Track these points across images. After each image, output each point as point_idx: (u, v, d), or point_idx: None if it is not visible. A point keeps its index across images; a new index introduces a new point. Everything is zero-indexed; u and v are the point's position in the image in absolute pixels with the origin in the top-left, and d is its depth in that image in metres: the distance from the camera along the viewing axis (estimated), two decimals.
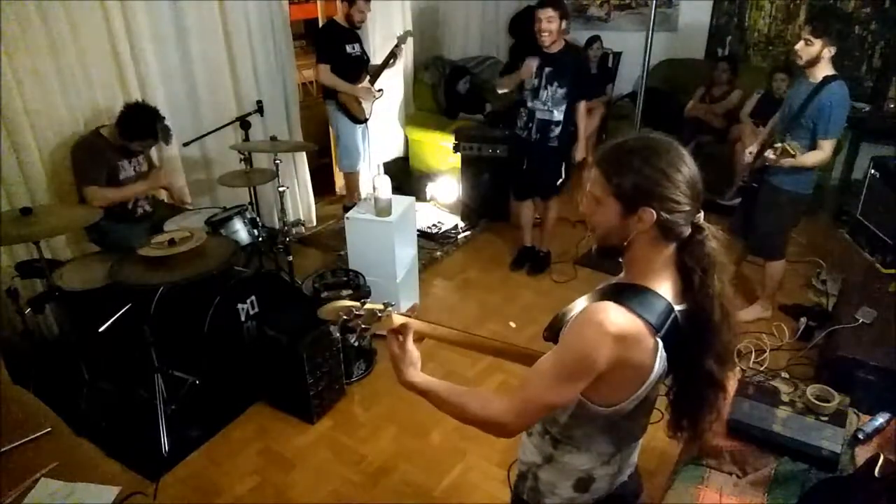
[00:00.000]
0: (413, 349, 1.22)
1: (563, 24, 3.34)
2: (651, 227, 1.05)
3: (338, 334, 1.26)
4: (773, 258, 3.18)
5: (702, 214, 1.08)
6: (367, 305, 1.24)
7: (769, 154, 2.75)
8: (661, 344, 1.05)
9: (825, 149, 2.75)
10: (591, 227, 1.14)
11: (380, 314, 1.24)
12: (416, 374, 1.20)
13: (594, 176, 1.10)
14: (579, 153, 3.63)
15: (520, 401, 1.10)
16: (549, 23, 3.28)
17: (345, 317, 1.23)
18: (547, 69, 3.40)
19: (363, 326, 1.24)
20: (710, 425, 1.19)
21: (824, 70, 2.72)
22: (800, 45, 2.72)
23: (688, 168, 1.05)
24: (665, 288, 1.08)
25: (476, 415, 1.12)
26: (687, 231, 1.07)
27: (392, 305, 1.26)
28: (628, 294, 1.07)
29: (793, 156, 2.67)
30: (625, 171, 1.05)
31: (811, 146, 2.78)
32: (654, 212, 1.03)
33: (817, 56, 2.69)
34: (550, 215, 3.88)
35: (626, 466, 1.29)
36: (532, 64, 3.38)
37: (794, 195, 2.93)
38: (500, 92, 3.61)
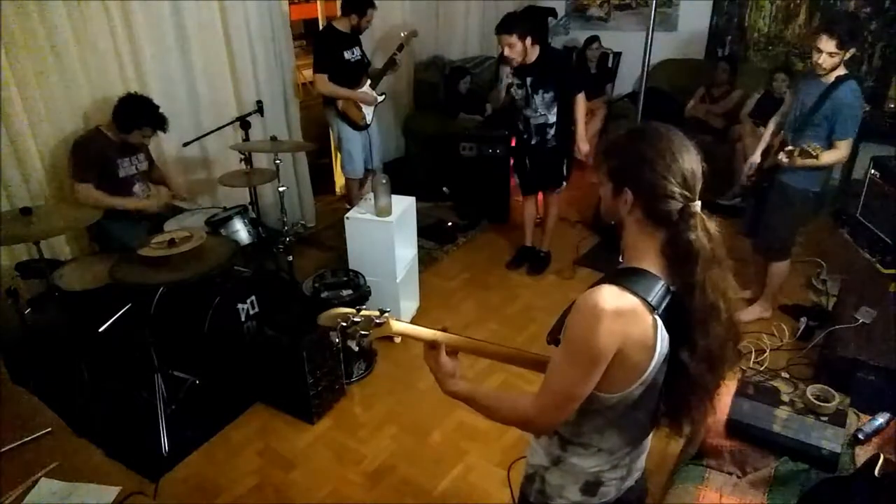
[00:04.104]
0: (447, 362, 1.26)
1: (528, 42, 3.33)
2: (636, 209, 1.09)
3: (338, 340, 1.28)
4: (779, 258, 3.18)
5: (697, 204, 1.07)
6: (364, 312, 1.28)
7: (782, 157, 2.73)
8: (659, 322, 1.05)
9: (843, 148, 2.74)
10: (601, 204, 1.20)
11: (377, 320, 1.27)
12: (455, 384, 1.26)
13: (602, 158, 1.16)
14: (582, 147, 3.62)
15: (545, 399, 1.13)
16: (510, 49, 3.31)
17: (343, 323, 1.27)
18: (529, 79, 3.44)
19: (362, 333, 1.28)
20: (700, 427, 1.18)
21: (837, 70, 2.72)
22: (824, 59, 2.66)
23: (680, 158, 1.06)
24: (658, 269, 1.09)
25: (508, 416, 1.19)
26: (674, 217, 1.07)
27: (388, 311, 1.29)
28: (622, 275, 1.09)
29: (815, 157, 2.65)
30: (614, 152, 1.12)
31: (826, 146, 2.77)
32: (632, 194, 1.07)
33: (840, 62, 2.68)
34: (552, 213, 3.90)
35: (634, 471, 1.29)
36: (503, 69, 3.44)
37: (804, 193, 2.93)
38: (497, 107, 3.67)
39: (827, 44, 2.64)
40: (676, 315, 1.07)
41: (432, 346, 1.26)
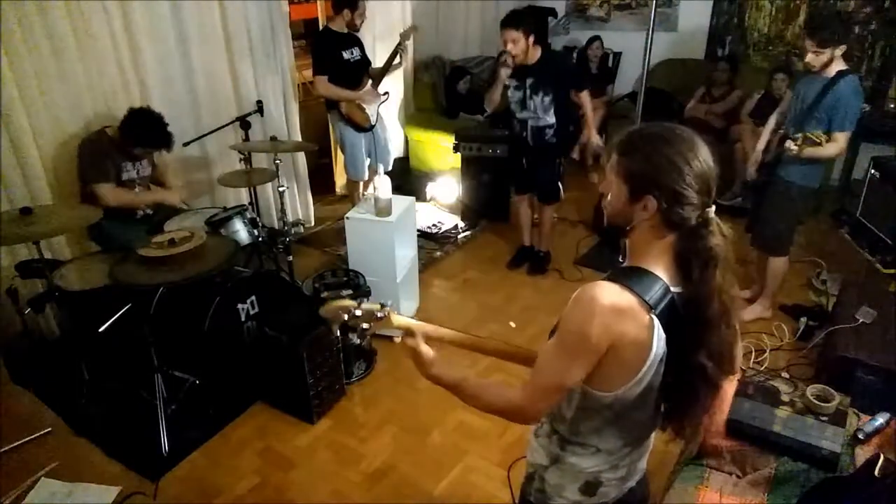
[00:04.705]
0: (427, 349, 1.28)
1: (531, 41, 3.31)
2: (654, 214, 1.07)
3: (338, 333, 1.30)
4: (777, 254, 3.18)
5: (712, 209, 1.08)
6: (365, 306, 1.30)
7: (790, 145, 2.75)
8: (656, 321, 1.05)
9: (840, 141, 2.77)
10: (604, 205, 1.17)
11: (378, 314, 1.29)
12: (437, 369, 1.27)
13: (612, 157, 1.12)
14: (594, 139, 3.70)
15: (532, 385, 1.13)
16: (513, 44, 3.28)
17: (344, 316, 1.29)
18: (529, 80, 3.42)
19: (363, 326, 1.30)
20: (699, 427, 1.18)
21: (837, 65, 2.76)
22: (810, 58, 2.76)
23: (700, 162, 1.05)
24: (663, 271, 1.09)
25: (494, 403, 1.18)
26: (692, 223, 1.07)
27: (389, 304, 1.31)
28: (623, 274, 1.09)
29: (819, 143, 2.69)
30: (635, 156, 1.08)
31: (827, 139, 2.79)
32: (656, 201, 1.05)
33: (831, 60, 2.74)
34: (546, 216, 3.89)
35: (634, 472, 1.29)
36: (504, 71, 3.41)
37: (802, 188, 2.94)
38: (490, 110, 3.66)
39: (810, 43, 2.73)
40: (677, 316, 1.07)
41: (409, 334, 1.28)
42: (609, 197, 1.14)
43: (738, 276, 1.13)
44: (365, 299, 1.32)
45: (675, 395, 1.16)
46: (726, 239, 1.08)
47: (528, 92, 3.44)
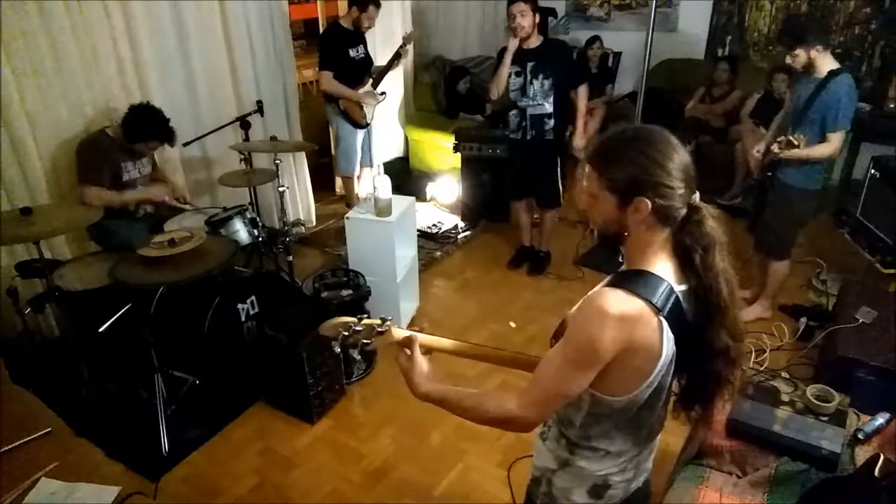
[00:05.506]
0: (422, 361, 1.24)
1: (538, 18, 3.34)
2: (648, 215, 1.07)
3: (339, 349, 1.27)
4: (778, 257, 3.18)
5: (697, 195, 1.09)
6: (365, 321, 1.27)
7: (773, 148, 2.76)
8: (665, 323, 1.05)
9: (834, 141, 2.76)
10: (590, 220, 1.17)
11: (379, 329, 1.27)
12: (429, 384, 1.22)
13: (587, 172, 1.12)
14: (578, 140, 3.63)
15: (534, 394, 1.11)
16: (521, 17, 3.30)
17: (345, 333, 1.26)
18: (530, 64, 3.42)
19: (364, 342, 1.27)
20: (722, 408, 1.18)
21: (828, 65, 2.75)
22: (788, 60, 2.82)
23: (677, 153, 1.07)
24: (664, 269, 1.09)
25: (493, 415, 1.14)
26: (683, 213, 1.08)
27: (390, 319, 1.29)
28: (627, 278, 1.09)
29: (796, 146, 2.69)
30: (616, 164, 1.08)
31: (821, 139, 2.78)
32: (648, 202, 1.05)
33: (809, 60, 2.75)
34: (548, 217, 3.89)
35: (641, 472, 1.28)
36: (512, 42, 3.38)
37: (802, 191, 2.93)
38: (494, 98, 3.64)
39: (784, 47, 2.81)
40: (683, 315, 1.08)
41: (405, 344, 1.26)
42: (595, 209, 1.12)
43: (738, 274, 1.13)
44: (365, 315, 1.30)
45: (701, 385, 1.16)
46: (717, 220, 1.09)
47: (528, 76, 3.43)
